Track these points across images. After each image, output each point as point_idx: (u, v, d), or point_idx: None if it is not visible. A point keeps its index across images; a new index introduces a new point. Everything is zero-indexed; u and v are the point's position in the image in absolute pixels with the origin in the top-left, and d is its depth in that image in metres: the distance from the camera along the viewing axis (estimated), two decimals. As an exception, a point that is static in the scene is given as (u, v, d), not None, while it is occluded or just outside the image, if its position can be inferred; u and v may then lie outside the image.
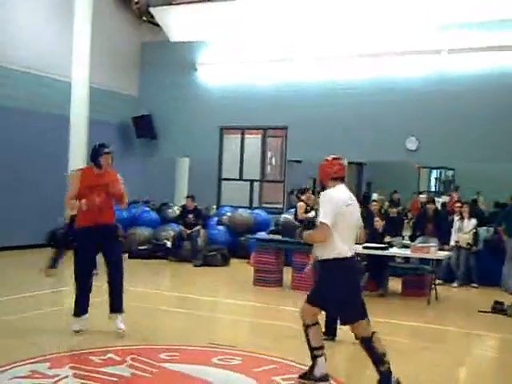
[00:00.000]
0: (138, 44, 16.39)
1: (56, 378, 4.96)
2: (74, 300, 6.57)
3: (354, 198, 4.97)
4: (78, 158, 14.24)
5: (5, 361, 5.30)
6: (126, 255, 12.99)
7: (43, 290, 9.08)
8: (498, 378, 6.14)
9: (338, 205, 4.76)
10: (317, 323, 4.98)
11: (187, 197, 13.50)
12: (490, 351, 7.34)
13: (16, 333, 6.45)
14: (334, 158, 5.01)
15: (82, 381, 4.95)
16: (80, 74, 14.22)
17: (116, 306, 6.51)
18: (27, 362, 5.33)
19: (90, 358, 5.59)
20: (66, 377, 5.03)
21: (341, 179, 4.97)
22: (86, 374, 5.12)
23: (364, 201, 13.22)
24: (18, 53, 13.17)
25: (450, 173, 19.11)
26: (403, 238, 11.26)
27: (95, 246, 6.43)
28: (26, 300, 8.32)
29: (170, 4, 15.37)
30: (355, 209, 4.96)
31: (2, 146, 12.67)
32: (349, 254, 4.80)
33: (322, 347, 4.96)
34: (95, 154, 6.54)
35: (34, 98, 13.49)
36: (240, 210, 14.14)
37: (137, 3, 15.73)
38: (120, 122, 15.82)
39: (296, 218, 11.14)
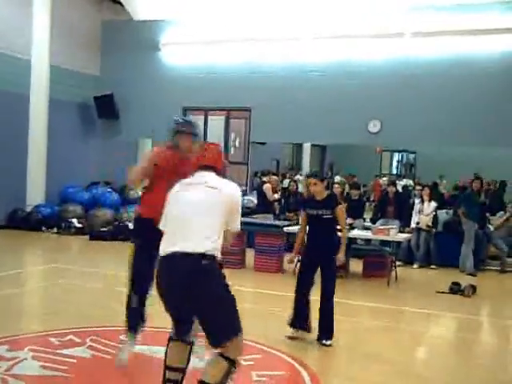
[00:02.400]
0: (99, 22, 16.08)
1: (14, 360, 4.90)
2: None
3: (199, 180, 3.90)
4: (37, 137, 14.04)
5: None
6: (87, 237, 12.94)
7: (6, 271, 8.93)
8: (455, 355, 6.30)
9: (166, 203, 3.95)
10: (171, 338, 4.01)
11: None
12: (447, 330, 7.51)
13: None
14: (208, 144, 4.31)
15: (41, 363, 4.90)
16: (40, 52, 13.96)
17: None
18: (-15, 344, 5.27)
19: (50, 339, 5.53)
20: (25, 359, 4.97)
21: (199, 168, 4.03)
22: (46, 355, 5.07)
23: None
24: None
25: (411, 156, 19.39)
26: (364, 221, 11.38)
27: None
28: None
29: (132, -18, 15.13)
30: (186, 194, 3.85)
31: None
32: (164, 252, 3.69)
33: (178, 369, 3.91)
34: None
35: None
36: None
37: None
38: (81, 101, 15.55)
39: (263, 200, 11.16)
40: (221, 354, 3.64)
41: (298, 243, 6.40)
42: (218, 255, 3.69)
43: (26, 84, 13.74)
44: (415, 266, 11.18)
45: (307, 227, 6.26)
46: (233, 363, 3.66)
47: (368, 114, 13.22)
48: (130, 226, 12.90)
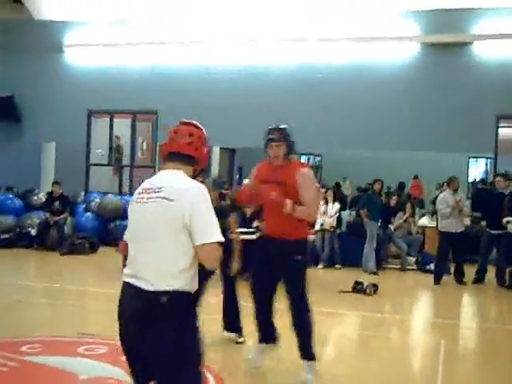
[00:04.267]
0: (-3, 21, 15.47)
1: None
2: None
3: (156, 186, 2.95)
4: None
5: None
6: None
7: None
8: (359, 352, 6.53)
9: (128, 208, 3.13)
10: None
11: (54, 183, 13.04)
12: (351, 328, 7.75)
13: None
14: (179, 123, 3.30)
15: None
16: None
17: None
18: None
19: None
20: None
21: (172, 156, 3.10)
22: None
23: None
24: None
25: (317, 159, 19.81)
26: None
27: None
28: None
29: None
30: (138, 207, 2.98)
31: None
32: (124, 277, 2.97)
33: None
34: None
35: None
36: (109, 196, 13.85)
37: (-3, -22, 14.86)
38: (-22, 103, 14.91)
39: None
40: None
41: None
42: (185, 289, 2.86)
43: None
44: (320, 266, 11.45)
45: None
46: None
47: (275, 117, 13.34)
48: (33, 232, 12.51)
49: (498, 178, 10.83)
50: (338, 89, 13.02)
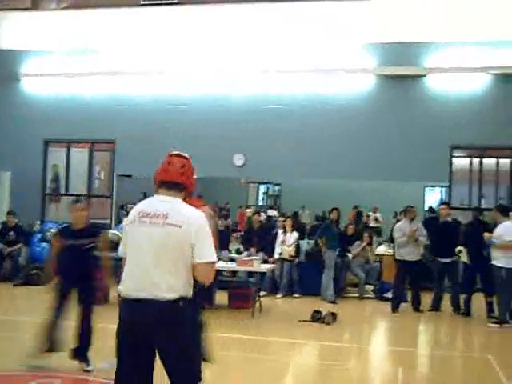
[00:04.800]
0: (-46, 50, 15.22)
1: None
2: None
3: (160, 211, 3.44)
4: None
5: None
6: None
7: None
8: (318, 381, 6.49)
9: (124, 228, 3.66)
10: None
11: (8, 213, 12.79)
12: (310, 358, 7.74)
13: None
14: (169, 155, 3.73)
15: None
16: None
17: None
18: None
19: None
20: None
21: (166, 185, 3.58)
22: None
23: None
24: None
25: (276, 188, 19.94)
26: (230, 252, 11.52)
27: None
28: None
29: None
30: (142, 228, 3.44)
31: None
32: (124, 294, 3.43)
33: None
34: None
35: None
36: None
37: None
38: None
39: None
40: None
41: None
42: (189, 296, 3.42)
43: None
44: (279, 295, 11.43)
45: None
46: None
47: (233, 147, 13.49)
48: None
49: (442, 206, 11.09)
50: (297, 119, 13.20)
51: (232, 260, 10.40)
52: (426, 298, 10.58)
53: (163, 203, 3.48)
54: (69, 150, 14.78)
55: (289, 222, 11.86)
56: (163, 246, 3.35)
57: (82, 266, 6.11)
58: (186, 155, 3.73)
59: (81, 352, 6.06)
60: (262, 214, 13.96)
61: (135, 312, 3.34)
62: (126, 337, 3.38)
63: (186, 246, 3.35)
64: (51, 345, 6.01)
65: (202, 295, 6.21)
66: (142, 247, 3.40)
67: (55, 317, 6.06)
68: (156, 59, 14.01)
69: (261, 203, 20.56)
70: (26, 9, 14.30)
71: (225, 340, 8.07)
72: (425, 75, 12.87)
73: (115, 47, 14.25)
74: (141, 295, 3.32)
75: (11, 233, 12.33)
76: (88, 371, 5.99)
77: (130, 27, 14.13)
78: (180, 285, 3.35)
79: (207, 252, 3.41)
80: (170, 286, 3.32)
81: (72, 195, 14.71)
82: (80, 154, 14.88)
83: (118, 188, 14.60)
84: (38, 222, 14.30)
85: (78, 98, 14.42)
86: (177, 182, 3.55)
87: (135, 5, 13.97)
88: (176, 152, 3.74)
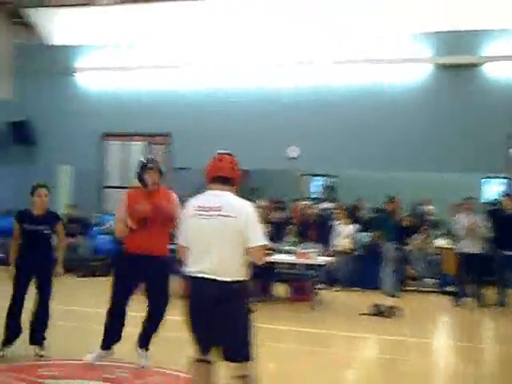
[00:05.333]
0: (10, 46, 15.59)
1: None
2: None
3: (216, 204, 3.91)
4: None
5: None
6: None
7: None
8: (380, 377, 6.40)
9: (183, 220, 4.12)
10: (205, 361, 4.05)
11: (69, 206, 13.06)
12: (371, 352, 7.64)
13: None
14: (218, 154, 4.21)
15: None
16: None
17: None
18: None
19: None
20: None
21: (218, 179, 4.04)
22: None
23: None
24: None
25: (331, 180, 19.71)
26: (286, 245, 11.47)
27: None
28: None
29: (46, 6, 14.80)
30: (200, 221, 3.94)
31: None
32: (193, 274, 3.94)
33: None
34: (140, 169, 5.76)
35: None
36: (124, 219, 13.81)
37: (10, 4, 15.02)
38: (-8, 126, 15.01)
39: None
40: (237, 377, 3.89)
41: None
42: (244, 278, 3.93)
43: None
44: (337, 288, 11.34)
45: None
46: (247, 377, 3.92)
47: (287, 139, 13.43)
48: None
49: (505, 198, 10.76)
50: (352, 110, 13.04)
51: (289, 252, 10.35)
52: (490, 293, 10.31)
53: (217, 197, 3.95)
54: (126, 143, 14.99)
55: (345, 215, 11.74)
56: (221, 235, 3.85)
57: (41, 252, 6.14)
58: (231, 153, 4.20)
59: (38, 337, 6.12)
60: (317, 206, 13.85)
61: (201, 288, 3.89)
62: (194, 306, 3.93)
63: (240, 233, 3.84)
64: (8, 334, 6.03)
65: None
66: (203, 238, 3.89)
67: (13, 304, 6.10)
68: (210, 52, 14.06)
69: (316, 196, 20.37)
70: (81, 4, 14.50)
71: (285, 333, 8.08)
72: (482, 64, 12.54)
73: (169, 41, 14.34)
74: (205, 276, 3.86)
75: (72, 225, 12.59)
76: (42, 356, 6.01)
77: (184, 20, 14.16)
78: (235, 269, 3.87)
79: (258, 236, 3.89)
80: (227, 270, 3.85)
81: (130, 188, 14.97)
82: (136, 148, 15.07)
83: (174, 181, 14.72)
84: (97, 215, 14.58)
85: (135, 92, 14.60)
86: (227, 177, 4.01)
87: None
88: (222, 151, 4.20)
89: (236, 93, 13.85)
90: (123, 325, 5.82)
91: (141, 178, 5.70)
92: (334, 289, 11.31)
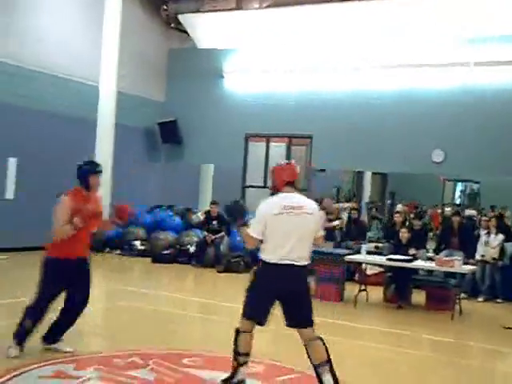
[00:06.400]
0: (165, 50, 16.51)
1: (80, 379, 5.00)
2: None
3: (300, 204, 4.74)
4: (103, 161, 14.36)
5: (32, 360, 5.37)
6: (149, 259, 13.12)
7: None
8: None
9: (264, 216, 4.71)
10: (251, 331, 4.86)
11: (212, 203, 13.54)
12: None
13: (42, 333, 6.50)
14: (286, 163, 5.09)
15: (106, 383, 4.99)
16: (108, 78, 14.40)
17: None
18: (53, 362, 5.39)
19: (115, 360, 5.61)
20: (90, 379, 5.07)
21: (290, 184, 4.82)
22: (110, 376, 5.15)
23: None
24: (48, 56, 13.29)
25: (475, 186, 18.90)
26: (427, 251, 11.16)
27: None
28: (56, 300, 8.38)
29: (199, 11, 15.48)
30: (291, 218, 4.70)
31: (29, 148, 12.75)
32: (273, 261, 4.69)
33: (248, 354, 4.88)
34: (84, 172, 5.69)
35: (61, 102, 13.56)
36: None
37: (165, 10, 15.88)
38: (146, 127, 15.93)
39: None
40: (312, 339, 4.76)
41: None
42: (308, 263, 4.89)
43: (93, 109, 14.18)
44: (480, 299, 10.84)
45: None
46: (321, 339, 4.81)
47: (431, 143, 13.06)
48: (191, 249, 13.08)
49: None
50: (498, 113, 12.42)
51: (429, 259, 10.07)
52: None
53: (296, 198, 4.78)
54: (268, 144, 15.30)
55: (493, 223, 11.19)
56: (305, 229, 4.74)
57: None
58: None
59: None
60: (461, 213, 13.33)
61: (284, 271, 4.70)
62: (278, 286, 4.73)
63: (315, 227, 4.83)
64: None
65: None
66: (290, 231, 4.67)
67: None
68: (352, 54, 14.00)
69: (458, 202, 19.64)
70: (232, 9, 14.99)
71: (421, 340, 7.87)
72: None
73: (313, 43, 14.44)
74: (288, 262, 4.68)
75: (214, 222, 13.05)
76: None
77: (329, 23, 14.20)
78: (307, 256, 4.82)
79: (320, 228, 5.04)
80: (303, 256, 4.77)
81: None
82: (278, 149, 15.34)
83: (311, 182, 14.83)
84: (238, 213, 14.98)
85: (278, 94, 14.86)
86: (295, 181, 4.85)
87: (338, 0, 13.94)
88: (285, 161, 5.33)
89: (379, 94, 13.67)
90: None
91: (86, 180, 5.64)
92: (476, 299, 10.82)
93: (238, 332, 4.84)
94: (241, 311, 4.86)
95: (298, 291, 4.80)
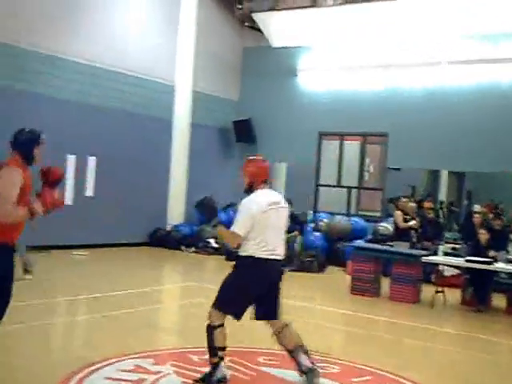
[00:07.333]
0: (240, 49, 16.64)
1: (159, 375, 5.11)
2: None
3: (278, 199, 4.96)
4: (179, 159, 14.69)
5: (112, 354, 5.52)
6: (223, 257, 13.24)
7: (148, 286, 9.38)
8: None
9: (255, 214, 4.75)
10: (224, 324, 4.91)
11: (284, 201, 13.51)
12: None
13: (122, 328, 6.67)
14: (261, 159, 5.08)
15: (183, 379, 5.07)
16: (183, 78, 14.65)
17: None
18: (132, 356, 5.54)
19: (190, 356, 5.71)
20: (168, 374, 5.17)
21: (265, 181, 4.97)
22: (187, 372, 5.24)
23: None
24: (124, 56, 13.56)
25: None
26: (508, 253, 10.77)
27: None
28: (133, 296, 8.62)
29: (273, 10, 15.49)
30: (275, 213, 4.86)
31: (108, 147, 13.05)
32: (263, 256, 4.79)
33: (225, 348, 4.91)
34: (28, 141, 4.31)
35: (137, 101, 13.86)
36: (338, 217, 14.03)
37: (240, 9, 15.98)
38: (221, 126, 16.10)
39: (397, 228, 11.03)
40: (284, 326, 5.08)
41: None
42: None
43: (168, 108, 14.44)
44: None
45: None
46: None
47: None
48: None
49: None
50: None
51: (510, 262, 9.72)
52: None
53: (274, 194, 5.01)
54: (342, 142, 15.18)
55: None
56: (283, 223, 5.01)
57: None
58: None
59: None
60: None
61: (272, 265, 4.85)
62: (266, 281, 4.89)
63: (287, 221, 5.07)
64: None
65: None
66: (275, 226, 4.85)
67: None
68: (427, 50, 13.67)
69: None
70: (307, 6, 14.92)
71: (502, 346, 7.61)
72: None
73: (387, 40, 14.20)
74: (275, 257, 4.83)
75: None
76: None
77: (403, 19, 13.91)
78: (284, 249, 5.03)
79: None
80: (283, 250, 4.98)
81: (343, 187, 15.15)
82: (352, 147, 15.19)
83: (387, 181, 14.60)
84: (311, 212, 14.95)
85: (351, 92, 14.72)
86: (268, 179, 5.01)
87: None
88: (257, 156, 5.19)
89: (455, 91, 13.32)
90: None
91: (29, 151, 4.27)
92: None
93: (213, 328, 4.87)
94: (218, 304, 4.90)
95: (278, 285, 4.98)
